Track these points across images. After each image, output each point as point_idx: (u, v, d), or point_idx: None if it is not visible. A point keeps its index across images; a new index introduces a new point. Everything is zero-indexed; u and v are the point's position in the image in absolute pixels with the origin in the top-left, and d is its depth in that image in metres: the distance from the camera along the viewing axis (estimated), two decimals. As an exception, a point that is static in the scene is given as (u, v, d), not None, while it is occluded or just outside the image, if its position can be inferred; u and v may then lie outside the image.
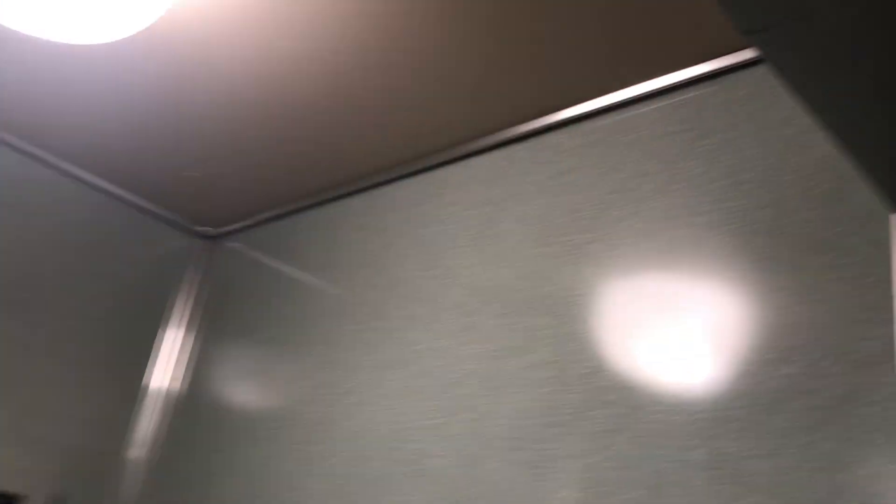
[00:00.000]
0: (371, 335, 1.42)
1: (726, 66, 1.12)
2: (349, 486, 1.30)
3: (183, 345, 1.84)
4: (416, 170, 1.53)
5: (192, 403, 1.73)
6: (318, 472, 1.36)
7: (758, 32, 0.53)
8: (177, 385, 1.79)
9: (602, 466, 1.02)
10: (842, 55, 0.53)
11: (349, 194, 1.65)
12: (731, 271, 1.02)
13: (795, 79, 0.57)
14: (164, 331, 1.86)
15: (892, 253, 0.72)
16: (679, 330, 1.03)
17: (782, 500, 0.87)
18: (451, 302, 1.32)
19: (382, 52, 1.27)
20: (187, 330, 1.85)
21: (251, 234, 1.86)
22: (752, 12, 0.52)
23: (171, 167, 1.72)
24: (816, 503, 0.85)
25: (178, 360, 1.82)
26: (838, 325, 0.90)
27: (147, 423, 1.76)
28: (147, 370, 1.81)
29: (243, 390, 1.61)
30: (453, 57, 1.25)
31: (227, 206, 1.85)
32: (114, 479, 1.72)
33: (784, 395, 0.91)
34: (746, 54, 1.09)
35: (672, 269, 1.08)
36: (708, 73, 1.14)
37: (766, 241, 1.00)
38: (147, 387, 1.80)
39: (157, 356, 1.83)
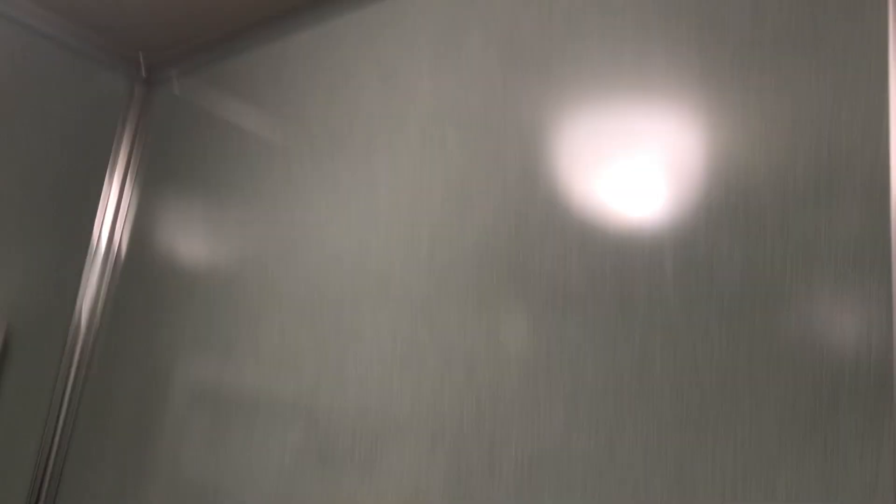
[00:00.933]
0: (329, 166, 1.36)
1: None
2: (315, 313, 1.27)
3: (126, 197, 1.76)
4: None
5: (140, 257, 1.66)
6: (282, 299, 1.33)
7: None
8: (122, 240, 1.72)
9: (571, 283, 1.01)
10: None
11: (298, 27, 1.56)
12: (707, 82, 0.98)
13: None
14: (105, 182, 1.77)
15: (889, 43, 0.66)
16: (650, 155, 1.01)
17: (753, 288, 0.87)
18: (413, 128, 1.27)
19: None
20: (130, 181, 1.77)
21: (194, 74, 1.76)
22: None
23: None
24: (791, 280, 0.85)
25: (121, 214, 1.75)
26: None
27: (92, 280, 1.69)
28: (88, 225, 1.73)
29: (194, 232, 1.55)
30: None
31: (167, 44, 1.73)
32: (58, 338, 1.66)
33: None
34: None
35: (644, 86, 1.04)
36: None
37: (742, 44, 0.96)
38: (90, 242, 1.72)
39: (99, 209, 1.75)
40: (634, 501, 0.89)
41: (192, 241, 1.55)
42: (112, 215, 1.74)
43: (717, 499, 0.84)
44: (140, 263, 1.65)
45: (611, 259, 0.98)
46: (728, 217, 0.91)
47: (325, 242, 1.31)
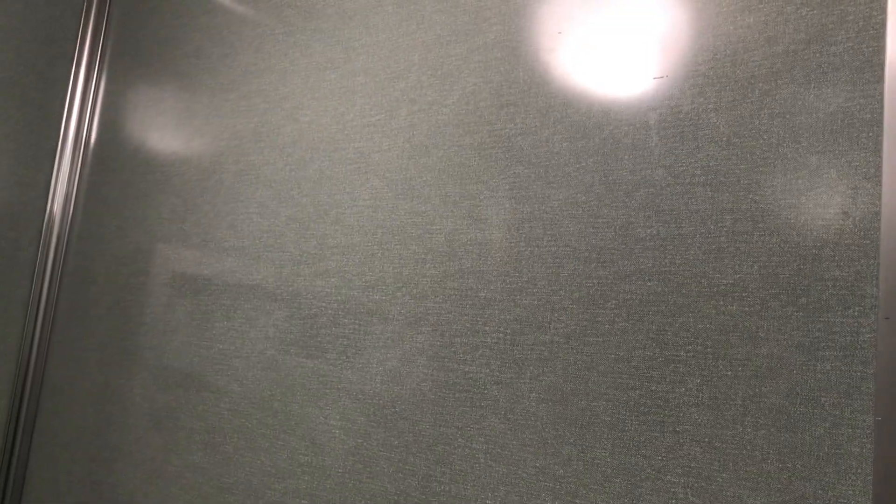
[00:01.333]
0: (302, 37, 1.30)
1: None
2: (293, 190, 1.24)
3: (94, 83, 1.69)
4: None
5: (111, 147, 1.62)
6: (260, 180, 1.30)
7: None
8: (92, 129, 1.66)
9: (555, 139, 0.99)
10: None
11: None
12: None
13: None
14: (72, 68, 1.69)
15: None
16: (635, 22, 0.96)
17: (739, 158, 0.85)
18: (390, 1, 1.21)
19: None
20: (97, 66, 1.70)
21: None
22: None
23: None
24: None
25: (89, 101, 1.68)
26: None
27: (63, 173, 1.65)
28: (57, 115, 1.67)
29: (166, 117, 1.50)
30: None
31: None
32: (33, 234, 1.63)
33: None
34: None
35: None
36: None
37: None
38: (59, 133, 1.66)
39: (67, 97, 1.68)
40: (617, 366, 0.89)
41: (164, 126, 1.51)
42: (79, 103, 1.68)
43: (697, 355, 0.84)
44: (112, 154, 1.61)
45: (594, 132, 0.96)
46: (715, 86, 0.88)
47: (302, 118, 1.26)
